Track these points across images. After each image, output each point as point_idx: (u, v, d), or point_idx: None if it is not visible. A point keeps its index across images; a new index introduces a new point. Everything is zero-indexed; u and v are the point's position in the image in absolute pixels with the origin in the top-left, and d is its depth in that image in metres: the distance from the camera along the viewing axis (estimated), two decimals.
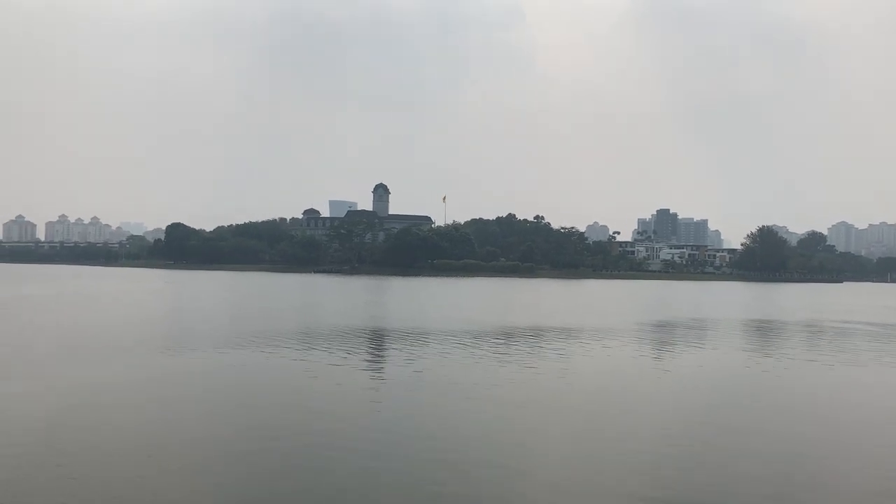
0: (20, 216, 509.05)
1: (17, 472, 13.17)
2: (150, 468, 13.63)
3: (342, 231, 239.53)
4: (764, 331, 48.50)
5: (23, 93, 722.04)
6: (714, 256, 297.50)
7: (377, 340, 36.78)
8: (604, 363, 29.33)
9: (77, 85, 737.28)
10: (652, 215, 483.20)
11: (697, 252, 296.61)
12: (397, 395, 21.54)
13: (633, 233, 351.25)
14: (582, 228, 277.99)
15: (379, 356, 30.85)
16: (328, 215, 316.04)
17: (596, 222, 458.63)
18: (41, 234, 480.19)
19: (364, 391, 22.12)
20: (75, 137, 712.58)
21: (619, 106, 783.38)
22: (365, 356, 30.34)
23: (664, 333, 44.53)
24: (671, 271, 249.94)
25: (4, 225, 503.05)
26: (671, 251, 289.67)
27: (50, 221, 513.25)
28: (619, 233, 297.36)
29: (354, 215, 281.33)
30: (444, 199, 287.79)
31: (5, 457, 14.15)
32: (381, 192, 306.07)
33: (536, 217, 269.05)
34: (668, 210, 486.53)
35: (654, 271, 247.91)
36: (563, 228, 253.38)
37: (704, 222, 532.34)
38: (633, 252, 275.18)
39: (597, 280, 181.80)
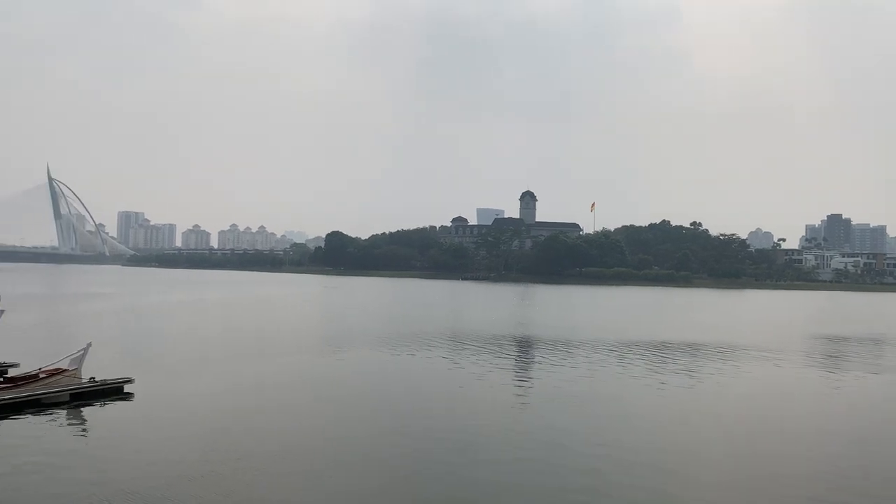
0: (196, 225, 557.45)
1: (175, 469, 14.24)
2: (292, 468, 14.30)
3: (489, 239, 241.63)
4: None
5: (203, 113, 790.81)
6: (894, 265, 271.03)
7: (525, 349, 36.66)
8: (764, 383, 27.47)
9: (249, 106, 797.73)
10: (822, 221, 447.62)
11: (874, 261, 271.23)
12: (542, 406, 21.30)
13: (800, 240, 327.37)
14: (743, 235, 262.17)
15: (526, 365, 30.73)
16: (475, 223, 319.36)
17: (759, 229, 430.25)
18: (214, 242, 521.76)
19: (509, 399, 22.07)
20: (244, 155, 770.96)
21: (784, 105, 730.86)
22: (511, 364, 30.34)
23: (835, 351, 41.09)
24: (844, 282, 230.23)
25: (183, 234, 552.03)
26: (844, 260, 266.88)
27: (222, 230, 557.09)
28: (784, 240, 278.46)
29: (501, 223, 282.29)
30: (593, 206, 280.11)
31: (167, 447, 15.38)
32: (527, 199, 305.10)
33: (693, 223, 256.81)
34: (841, 215, 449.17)
35: (825, 281, 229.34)
36: (722, 235, 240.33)
37: (882, 228, 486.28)
38: (800, 261, 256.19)
39: (760, 290, 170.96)
